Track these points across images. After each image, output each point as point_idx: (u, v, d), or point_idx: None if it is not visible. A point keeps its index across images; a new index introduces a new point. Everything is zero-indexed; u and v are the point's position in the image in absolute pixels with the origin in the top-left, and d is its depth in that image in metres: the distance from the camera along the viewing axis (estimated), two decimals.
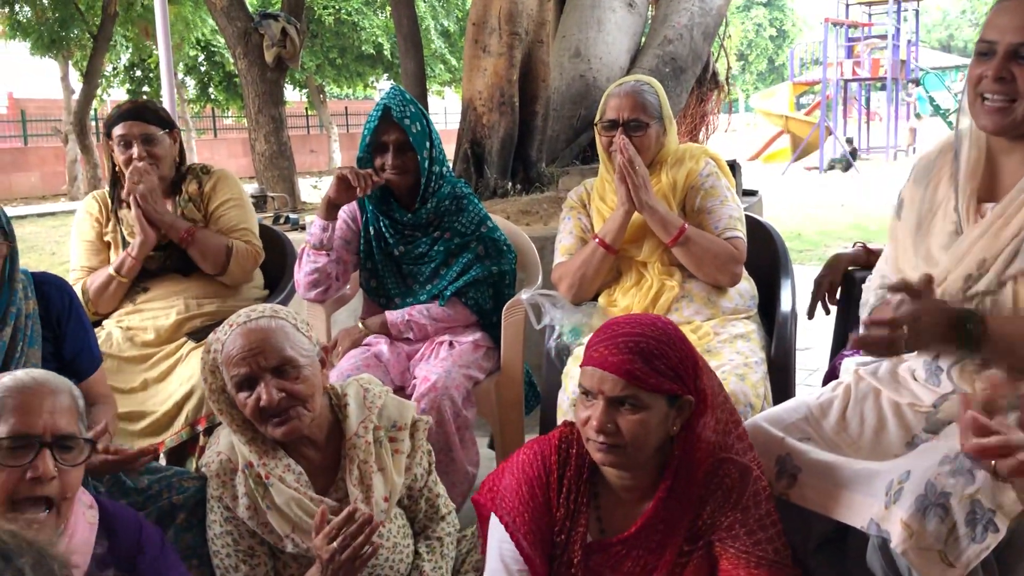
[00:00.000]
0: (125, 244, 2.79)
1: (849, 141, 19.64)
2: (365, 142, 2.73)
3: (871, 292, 2.00)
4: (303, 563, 1.87)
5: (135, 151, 2.74)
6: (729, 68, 7.00)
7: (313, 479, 1.90)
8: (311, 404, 1.84)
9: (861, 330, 1.65)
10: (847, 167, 18.03)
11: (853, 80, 21.26)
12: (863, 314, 1.97)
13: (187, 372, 2.60)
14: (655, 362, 1.62)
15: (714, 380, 1.77)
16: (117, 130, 2.77)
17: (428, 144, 2.70)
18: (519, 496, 1.74)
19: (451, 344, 2.72)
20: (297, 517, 1.83)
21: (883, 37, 20.60)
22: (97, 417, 2.09)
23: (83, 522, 1.64)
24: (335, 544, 1.69)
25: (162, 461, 2.54)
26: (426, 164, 2.70)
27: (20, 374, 1.62)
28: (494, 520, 1.77)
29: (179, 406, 2.55)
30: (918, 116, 21.04)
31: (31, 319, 2.14)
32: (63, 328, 2.22)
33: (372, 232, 2.83)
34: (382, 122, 2.68)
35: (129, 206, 2.77)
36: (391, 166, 2.68)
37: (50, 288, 2.22)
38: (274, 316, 1.86)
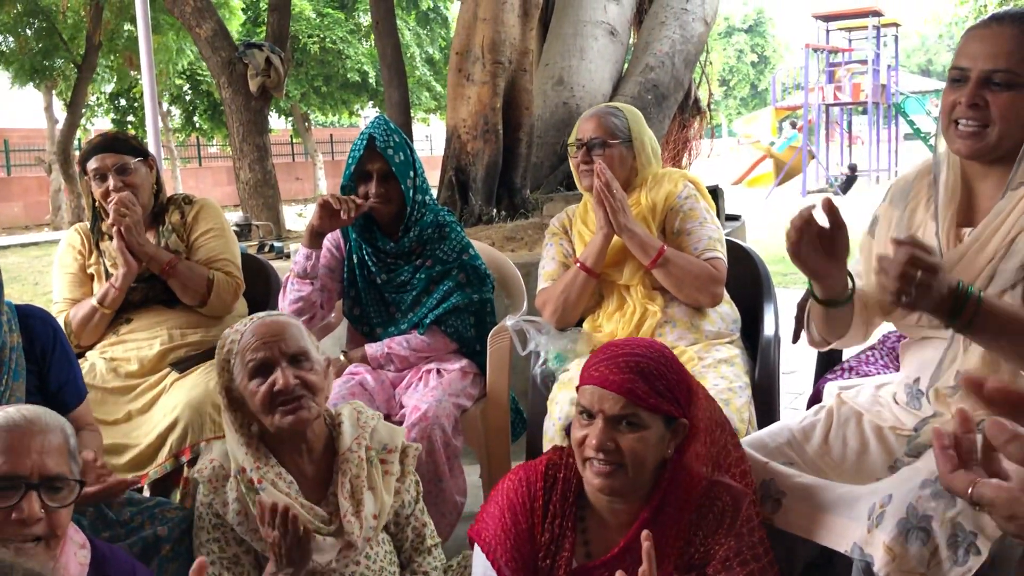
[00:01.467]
0: (108, 276, 2.78)
1: (852, 168, 19.79)
2: (349, 171, 2.75)
3: None
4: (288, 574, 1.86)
5: (111, 183, 2.73)
6: (711, 95, 7.07)
7: (305, 492, 1.92)
8: (319, 399, 1.90)
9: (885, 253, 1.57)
10: (846, 189, 18.16)
11: (835, 104, 21.50)
12: None
13: (171, 403, 2.59)
14: (655, 382, 1.63)
15: (712, 404, 1.77)
16: (91, 164, 2.76)
17: (412, 173, 2.72)
18: (501, 523, 1.74)
19: (439, 372, 2.72)
20: None
21: (863, 62, 20.89)
22: (84, 443, 2.08)
23: (74, 562, 1.63)
24: (276, 531, 1.73)
25: (146, 493, 2.52)
26: (410, 193, 2.71)
27: (12, 411, 1.60)
28: (478, 549, 1.76)
29: (163, 437, 2.53)
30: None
31: (15, 352, 2.12)
32: (48, 360, 2.21)
33: (355, 260, 2.84)
34: (366, 151, 2.70)
35: (111, 238, 2.77)
36: (375, 195, 2.70)
37: (34, 321, 2.21)
38: (290, 318, 1.97)
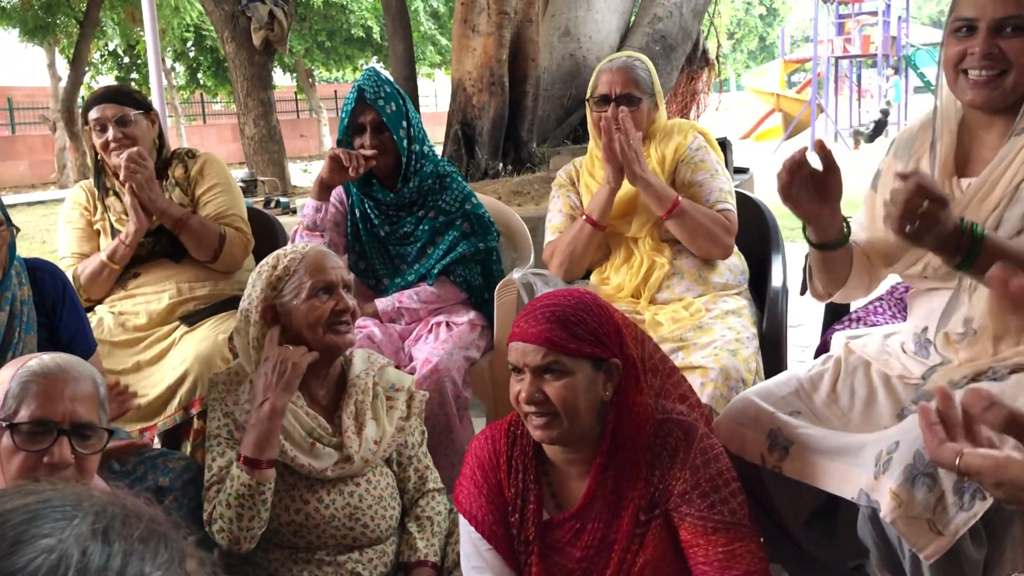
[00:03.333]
0: (114, 231, 2.78)
1: (885, 112, 19.45)
2: (343, 124, 2.75)
3: None
4: (287, 480, 1.99)
5: (110, 134, 2.72)
6: (719, 46, 6.99)
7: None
8: (354, 323, 2.09)
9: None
10: (873, 137, 17.86)
11: (844, 57, 21.22)
12: None
13: (180, 356, 2.60)
14: (573, 328, 1.63)
15: (648, 344, 1.80)
16: (92, 114, 2.76)
17: (405, 123, 2.71)
18: (473, 480, 1.78)
19: (448, 325, 2.73)
20: (291, 425, 1.97)
21: (874, 14, 20.55)
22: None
23: None
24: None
25: (156, 444, 2.55)
26: (404, 143, 2.70)
27: (46, 358, 1.63)
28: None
29: (172, 390, 2.55)
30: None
31: (26, 305, 2.15)
32: (58, 313, 2.24)
33: (358, 214, 2.84)
34: (357, 104, 2.71)
35: (116, 194, 2.76)
36: (369, 146, 2.69)
37: (43, 274, 2.24)
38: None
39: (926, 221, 1.50)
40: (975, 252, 1.55)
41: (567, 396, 1.63)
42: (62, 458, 1.55)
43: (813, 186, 1.72)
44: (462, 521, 1.80)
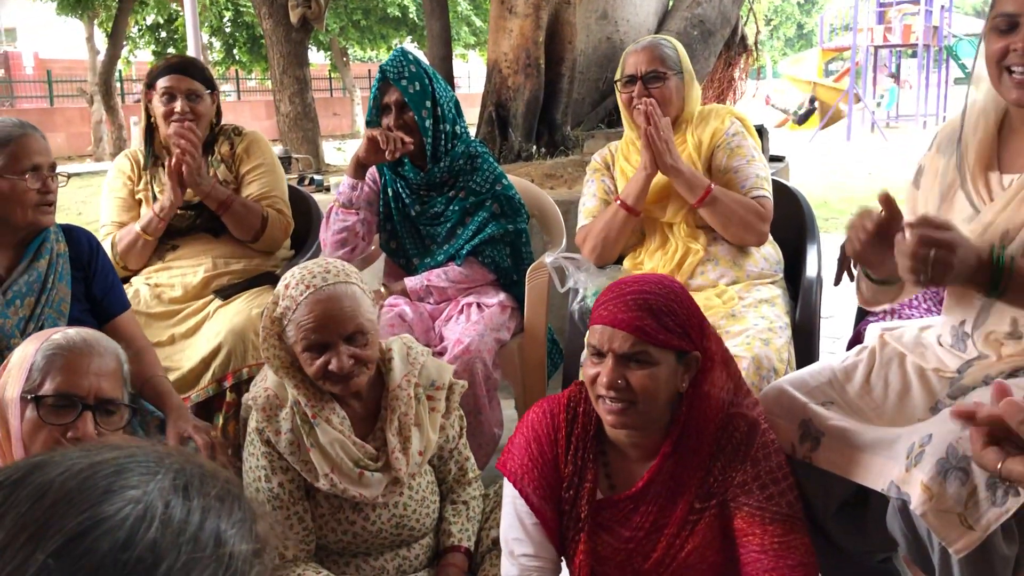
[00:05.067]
0: (156, 201, 2.80)
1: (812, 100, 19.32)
2: (371, 105, 2.77)
3: None
4: (333, 503, 1.92)
5: (178, 105, 2.74)
6: (758, 32, 6.90)
7: (354, 427, 1.95)
8: (372, 366, 1.91)
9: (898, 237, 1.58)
10: (802, 120, 17.73)
11: (884, 47, 20.90)
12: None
13: (214, 329, 2.63)
14: (664, 318, 1.62)
15: (721, 344, 1.77)
16: (162, 82, 2.76)
17: (428, 103, 2.70)
18: (528, 453, 1.77)
19: (479, 306, 2.74)
20: (338, 458, 1.87)
21: (915, 2, 20.19)
22: (145, 364, 2.20)
23: None
24: None
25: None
26: (427, 124, 2.70)
27: (71, 332, 1.64)
28: (506, 479, 1.80)
29: (206, 363, 2.58)
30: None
31: (62, 257, 2.23)
32: (91, 269, 2.31)
33: (390, 193, 2.85)
34: (382, 84, 2.72)
35: (163, 165, 2.78)
36: (394, 127, 2.70)
37: (78, 234, 2.33)
38: (347, 281, 1.87)
39: (938, 268, 1.50)
40: (999, 281, 1.55)
41: (649, 385, 1.63)
42: (85, 433, 1.56)
43: (878, 236, 1.70)
44: (509, 491, 1.78)
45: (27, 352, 1.61)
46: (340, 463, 1.87)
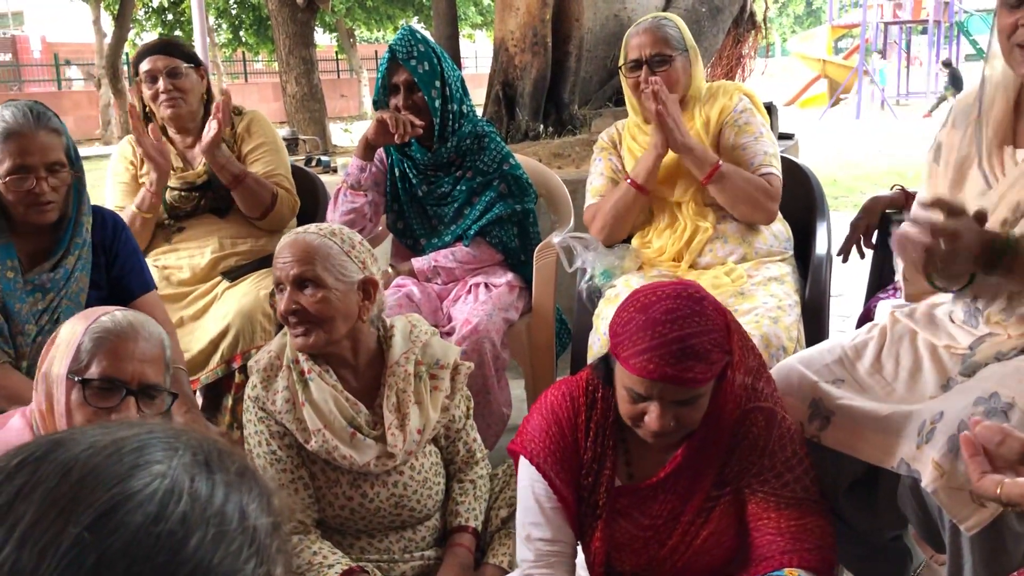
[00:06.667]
0: None
1: (947, 63, 18.95)
2: (379, 85, 2.76)
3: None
4: (330, 476, 1.92)
5: (160, 84, 2.75)
6: (767, 9, 6.84)
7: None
8: (329, 327, 1.87)
9: (904, 226, 1.56)
10: (957, 85, 17.35)
11: (894, 23, 20.73)
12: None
13: (222, 310, 2.63)
14: (710, 355, 1.55)
15: (741, 330, 1.71)
16: (143, 65, 2.78)
17: (438, 83, 2.68)
18: (549, 435, 1.74)
19: (487, 286, 2.73)
20: (331, 413, 1.87)
21: None
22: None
23: None
24: None
25: (198, 398, 2.59)
26: (437, 104, 2.68)
27: (119, 316, 1.64)
28: (524, 460, 1.77)
29: (215, 344, 2.59)
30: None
31: (87, 246, 2.22)
32: (113, 251, 2.29)
33: (397, 173, 2.84)
34: (390, 64, 2.70)
35: (166, 137, 2.79)
36: (403, 107, 2.68)
37: (104, 216, 2.32)
38: (327, 236, 1.89)
39: (947, 258, 1.51)
40: (1002, 255, 1.57)
41: (698, 417, 1.61)
42: (129, 418, 1.57)
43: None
44: (526, 474, 1.75)
45: (76, 331, 1.61)
46: (332, 420, 1.87)
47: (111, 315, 1.64)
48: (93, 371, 1.58)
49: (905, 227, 1.54)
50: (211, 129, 2.67)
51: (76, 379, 1.58)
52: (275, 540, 0.61)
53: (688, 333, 1.54)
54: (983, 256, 1.54)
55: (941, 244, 1.49)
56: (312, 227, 1.93)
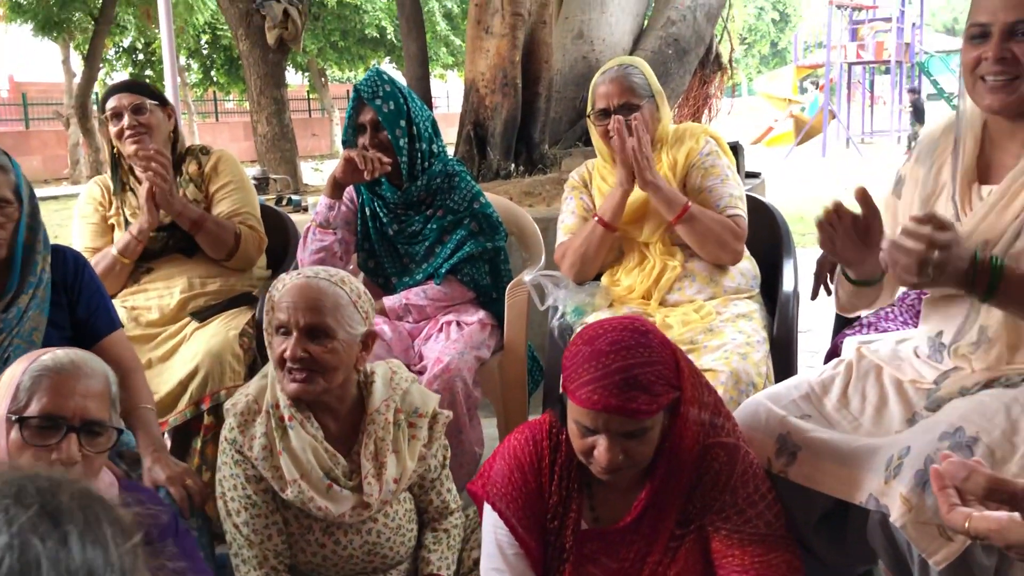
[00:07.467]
0: (128, 225, 2.79)
1: (913, 90, 19.35)
2: (347, 124, 2.78)
3: None
4: (303, 523, 1.90)
5: (125, 121, 2.75)
6: (732, 50, 6.97)
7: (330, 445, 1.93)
8: (330, 376, 1.86)
9: (897, 236, 1.57)
10: (920, 117, 17.80)
11: (857, 63, 21.17)
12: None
13: (191, 351, 2.61)
14: (654, 387, 1.56)
15: (692, 366, 1.72)
16: (109, 104, 2.79)
17: (403, 123, 2.70)
18: (512, 481, 1.73)
19: (458, 324, 2.73)
20: (308, 463, 1.86)
21: (887, 20, 20.50)
22: (134, 389, 2.12)
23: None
24: None
25: (167, 440, 2.55)
26: (402, 143, 2.70)
27: (60, 354, 1.62)
28: (487, 505, 1.76)
29: (183, 385, 2.55)
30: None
31: (43, 285, 2.15)
32: (75, 291, 2.22)
33: (368, 212, 2.85)
34: (357, 103, 2.73)
35: (131, 190, 2.77)
36: (369, 145, 2.70)
37: (64, 254, 2.24)
38: (338, 284, 1.89)
39: (937, 269, 1.52)
40: (995, 283, 1.57)
41: (648, 451, 1.62)
42: (70, 455, 1.54)
43: (855, 232, 1.72)
44: (489, 520, 1.75)
45: (15, 372, 1.60)
46: (310, 470, 1.85)
47: (52, 354, 1.62)
48: (33, 409, 1.55)
49: (899, 237, 1.55)
50: (145, 184, 2.66)
51: (15, 418, 1.56)
52: (137, 559, 0.60)
53: (631, 364, 1.56)
54: (970, 271, 1.56)
55: (935, 254, 1.50)
56: (322, 272, 1.90)
